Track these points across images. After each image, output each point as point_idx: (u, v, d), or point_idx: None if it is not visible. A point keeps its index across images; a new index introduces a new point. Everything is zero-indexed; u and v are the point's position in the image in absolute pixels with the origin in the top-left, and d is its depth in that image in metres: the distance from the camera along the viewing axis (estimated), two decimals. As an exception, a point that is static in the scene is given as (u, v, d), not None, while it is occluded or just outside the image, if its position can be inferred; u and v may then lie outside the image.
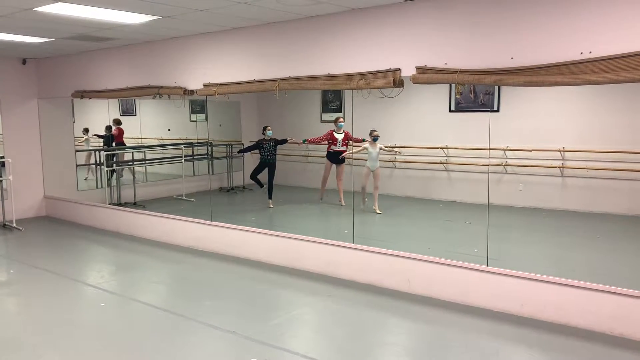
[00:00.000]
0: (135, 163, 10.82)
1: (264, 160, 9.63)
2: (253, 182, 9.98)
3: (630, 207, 8.30)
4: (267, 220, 8.83)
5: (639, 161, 8.14)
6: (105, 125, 11.35)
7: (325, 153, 9.61)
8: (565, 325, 4.61)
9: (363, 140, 9.00)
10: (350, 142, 9.29)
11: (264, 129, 9.60)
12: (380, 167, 8.88)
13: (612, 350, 4.17)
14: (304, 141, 9.61)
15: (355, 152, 8.86)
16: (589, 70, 4.26)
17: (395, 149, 9.30)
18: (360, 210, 8.59)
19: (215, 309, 5.18)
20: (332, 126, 9.56)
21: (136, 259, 7.17)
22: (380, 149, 8.71)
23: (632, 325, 4.33)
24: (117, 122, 11.47)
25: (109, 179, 10.22)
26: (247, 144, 12.29)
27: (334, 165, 9.44)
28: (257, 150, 9.72)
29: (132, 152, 10.87)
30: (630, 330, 4.34)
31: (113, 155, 10.37)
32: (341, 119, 9.31)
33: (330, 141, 9.31)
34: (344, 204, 9.35)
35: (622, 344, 4.26)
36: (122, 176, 10.67)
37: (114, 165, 10.17)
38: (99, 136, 11.34)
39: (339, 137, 9.24)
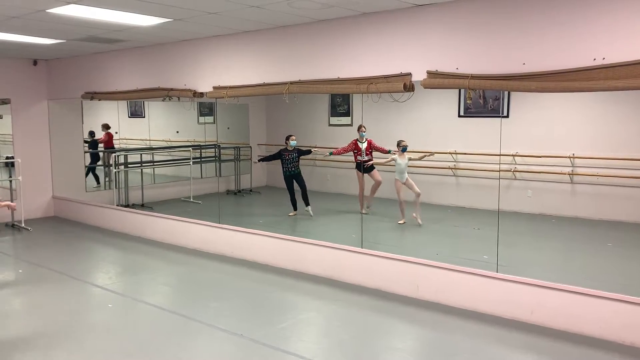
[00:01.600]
0: (143, 165, 10.85)
1: (288, 173, 9.00)
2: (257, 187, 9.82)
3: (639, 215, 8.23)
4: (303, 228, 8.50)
5: (649, 169, 8.07)
6: (89, 130, 11.20)
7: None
8: (575, 333, 4.55)
9: (389, 152, 8.70)
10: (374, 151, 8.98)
11: (287, 138, 8.95)
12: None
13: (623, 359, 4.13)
14: (330, 154, 9.05)
15: (382, 164, 8.40)
16: (602, 77, 4.22)
17: (427, 154, 8.67)
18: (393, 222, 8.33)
19: (221, 311, 5.17)
20: (344, 131, 9.53)
21: (143, 260, 7.18)
22: (410, 159, 8.24)
23: (644, 334, 4.28)
24: (106, 126, 11.44)
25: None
26: (254, 147, 12.36)
27: (366, 175, 9.02)
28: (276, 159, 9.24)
29: (141, 154, 10.90)
30: (641, 340, 4.29)
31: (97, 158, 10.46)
32: (363, 128, 8.88)
33: (355, 151, 8.95)
34: (363, 212, 8.94)
35: (633, 354, 4.21)
36: (98, 184, 10.73)
37: (111, 167, 10.20)
38: (85, 141, 11.15)
39: (362, 146, 8.85)
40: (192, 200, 10.80)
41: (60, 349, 4.36)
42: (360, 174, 9.05)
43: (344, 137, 10.92)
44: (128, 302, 5.53)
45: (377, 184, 9.06)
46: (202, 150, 11.70)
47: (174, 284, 6.30)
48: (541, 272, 5.66)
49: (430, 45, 5.23)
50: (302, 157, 9.14)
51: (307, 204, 9.01)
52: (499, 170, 7.00)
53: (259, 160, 9.68)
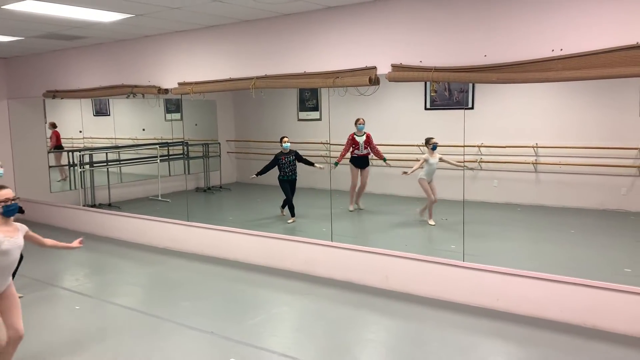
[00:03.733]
0: (109, 164, 10.65)
1: (286, 177, 8.29)
2: (217, 187, 9.32)
3: (601, 202, 8.48)
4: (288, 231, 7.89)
5: (609, 156, 8.32)
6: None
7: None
8: (540, 318, 4.69)
9: (384, 160, 8.51)
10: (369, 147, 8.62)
11: (281, 140, 8.29)
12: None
13: (586, 342, 4.26)
14: (336, 164, 8.51)
15: (417, 168, 7.74)
16: (560, 67, 4.34)
17: (459, 164, 7.89)
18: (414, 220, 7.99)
19: (192, 310, 5.14)
20: (312, 126, 9.46)
21: (111, 260, 7.06)
22: (440, 159, 7.66)
23: (605, 316, 4.43)
24: (53, 125, 11.16)
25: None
26: (223, 144, 12.26)
27: (359, 170, 8.70)
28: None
29: (107, 153, 10.70)
30: (602, 322, 4.44)
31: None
32: (361, 120, 8.49)
33: (353, 145, 8.58)
34: (351, 209, 8.78)
35: (595, 335, 4.36)
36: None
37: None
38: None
39: (360, 139, 8.51)
40: (160, 198, 10.66)
41: (25, 353, 4.27)
42: (355, 169, 8.71)
43: (313, 131, 10.94)
44: (96, 303, 5.44)
45: (363, 186, 8.78)
46: (170, 148, 11.56)
47: (144, 284, 6.22)
48: (507, 260, 5.79)
49: (395, 38, 5.29)
50: (299, 162, 8.44)
51: (293, 214, 8.39)
52: (464, 162, 7.13)
53: (257, 174, 8.32)
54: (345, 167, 8.83)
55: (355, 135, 8.59)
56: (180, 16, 6.00)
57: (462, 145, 6.92)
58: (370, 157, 8.80)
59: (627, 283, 4.43)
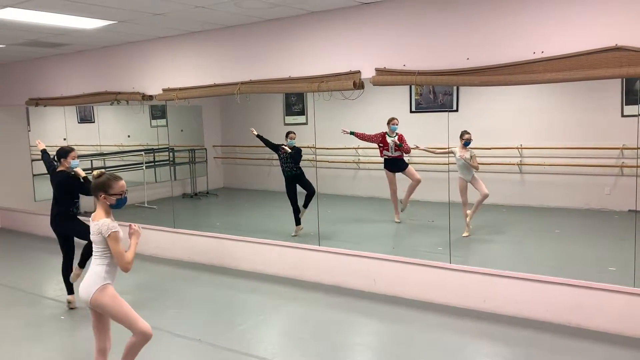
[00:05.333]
0: (94, 171, 10.56)
1: (289, 173, 7.55)
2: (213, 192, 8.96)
3: (585, 202, 8.58)
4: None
5: (592, 156, 8.42)
6: None
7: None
8: (526, 318, 4.72)
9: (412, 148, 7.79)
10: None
11: (287, 135, 7.65)
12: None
13: (570, 341, 4.30)
14: (352, 133, 7.87)
15: (432, 150, 7.35)
16: (542, 70, 4.39)
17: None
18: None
19: (179, 317, 5.10)
20: (299, 130, 9.35)
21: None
22: (472, 156, 7.03)
23: (588, 315, 4.48)
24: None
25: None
26: (209, 149, 12.21)
27: (396, 174, 7.99)
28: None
29: (92, 160, 10.61)
30: (586, 321, 4.48)
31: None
32: (395, 121, 7.81)
33: (381, 145, 7.89)
34: (397, 220, 8.10)
35: (579, 334, 4.40)
36: None
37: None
38: None
39: (391, 141, 7.82)
40: (146, 205, 10.59)
41: (10, 366, 4.22)
42: (390, 173, 7.99)
43: (300, 135, 10.92)
44: (81, 312, 5.38)
45: (416, 182, 7.92)
46: (156, 154, 11.48)
47: (129, 291, 6.15)
48: (493, 261, 5.85)
49: (378, 42, 5.31)
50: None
51: (305, 206, 7.59)
52: (448, 164, 7.17)
53: (256, 133, 7.86)
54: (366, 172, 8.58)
55: (387, 135, 7.89)
56: (163, 22, 5.98)
57: (447, 147, 6.96)
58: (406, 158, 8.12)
59: (612, 282, 4.47)
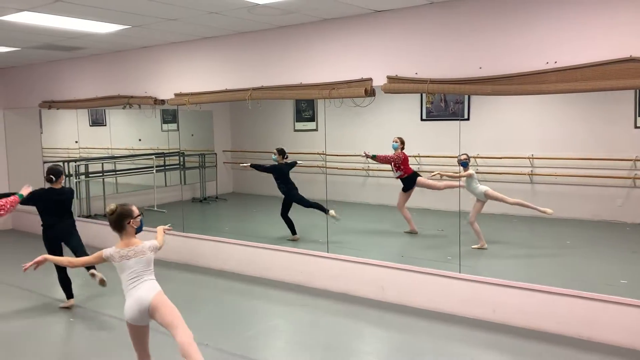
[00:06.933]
0: (105, 174, 10.63)
1: (281, 192, 7.79)
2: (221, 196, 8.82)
3: (595, 213, 8.50)
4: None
5: (604, 167, 8.34)
6: None
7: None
8: (536, 330, 4.67)
9: (415, 172, 7.76)
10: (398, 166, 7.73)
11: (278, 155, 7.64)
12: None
13: (581, 354, 4.25)
14: (374, 156, 7.67)
15: (455, 178, 7.28)
16: (554, 80, 4.37)
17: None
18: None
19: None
20: (309, 137, 9.30)
21: (105, 272, 7.00)
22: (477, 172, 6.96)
23: (601, 328, 4.42)
24: None
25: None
26: (219, 154, 12.25)
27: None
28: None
29: (102, 163, 10.68)
30: (597, 334, 4.43)
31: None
32: (395, 139, 7.75)
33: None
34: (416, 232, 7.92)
35: (590, 348, 4.35)
36: None
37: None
38: None
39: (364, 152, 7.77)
40: (156, 209, 10.63)
41: (18, 367, 4.24)
42: (402, 192, 7.87)
43: (310, 142, 10.95)
44: (89, 315, 5.40)
45: (443, 186, 7.75)
46: (166, 158, 11.54)
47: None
48: (503, 272, 5.80)
49: (390, 50, 5.31)
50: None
51: (325, 210, 7.32)
52: (459, 174, 7.14)
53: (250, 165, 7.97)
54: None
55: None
56: (176, 28, 6.02)
57: (458, 156, 6.94)
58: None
59: (623, 295, 4.42)
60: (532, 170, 9.01)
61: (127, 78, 7.64)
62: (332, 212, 7.26)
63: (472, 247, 6.94)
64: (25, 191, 5.37)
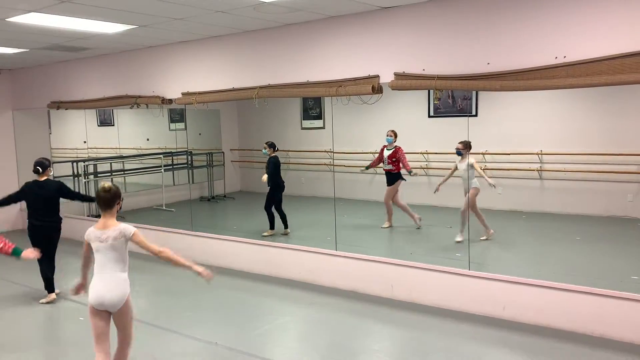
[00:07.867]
0: (113, 173, 10.68)
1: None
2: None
3: (606, 209, 8.43)
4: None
5: (614, 162, 8.28)
6: None
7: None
8: (546, 327, 4.64)
9: (410, 172, 7.83)
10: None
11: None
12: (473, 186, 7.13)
13: (593, 351, 4.22)
14: (367, 168, 8.44)
15: (449, 176, 7.40)
16: (563, 75, 4.32)
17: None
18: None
19: (196, 320, 5.12)
20: (316, 134, 9.27)
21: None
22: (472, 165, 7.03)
23: (612, 325, 4.39)
24: None
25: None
26: (227, 153, 12.27)
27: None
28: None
29: (111, 163, 10.73)
30: (610, 331, 4.40)
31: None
32: (389, 133, 7.89)
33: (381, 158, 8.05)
34: (419, 226, 8.03)
35: (602, 345, 4.31)
36: None
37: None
38: None
39: (386, 153, 7.90)
40: (164, 208, 10.66)
41: (29, 366, 4.27)
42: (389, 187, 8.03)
43: (317, 140, 10.95)
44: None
45: (392, 204, 8.05)
46: (174, 157, 11.58)
47: (146, 294, 6.20)
48: (513, 268, 5.76)
49: (397, 47, 5.28)
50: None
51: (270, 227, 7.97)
52: (467, 169, 7.10)
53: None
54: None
55: (385, 148, 8.00)
56: (183, 27, 6.02)
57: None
58: (403, 172, 8.01)
59: (635, 291, 4.38)
60: (541, 166, 8.95)
61: (134, 78, 7.67)
62: (265, 233, 7.80)
63: (481, 238, 6.90)
64: (27, 254, 4.49)
